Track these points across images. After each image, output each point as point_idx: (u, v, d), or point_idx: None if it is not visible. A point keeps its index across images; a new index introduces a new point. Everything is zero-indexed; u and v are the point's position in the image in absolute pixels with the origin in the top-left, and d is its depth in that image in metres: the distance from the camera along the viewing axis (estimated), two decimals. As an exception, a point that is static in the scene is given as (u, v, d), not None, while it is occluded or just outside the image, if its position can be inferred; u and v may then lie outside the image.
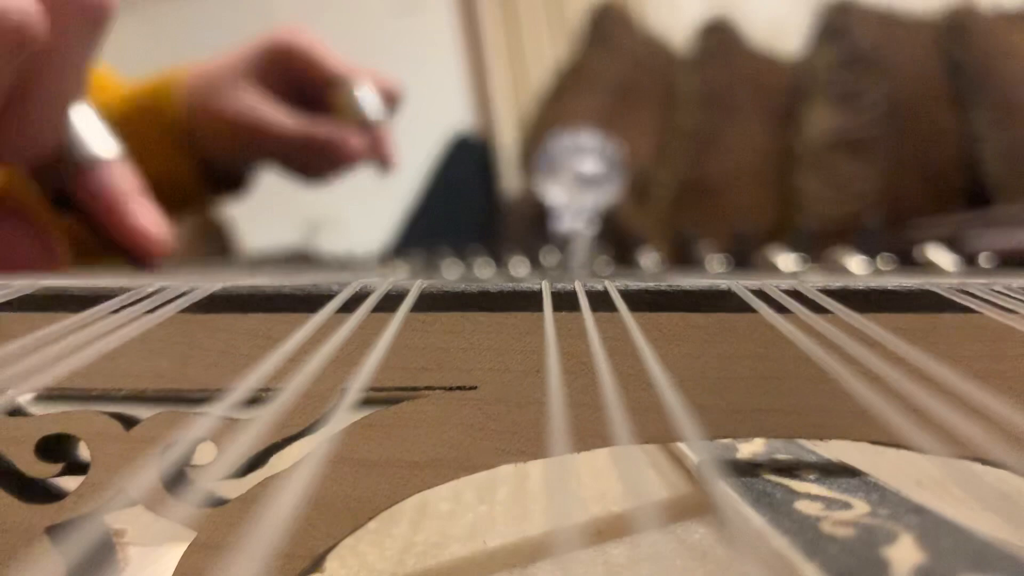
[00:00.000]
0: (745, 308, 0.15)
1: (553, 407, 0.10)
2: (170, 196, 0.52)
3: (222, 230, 1.38)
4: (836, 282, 0.16)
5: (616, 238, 0.52)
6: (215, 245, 1.33)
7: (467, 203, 1.49)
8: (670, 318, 0.15)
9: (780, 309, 0.14)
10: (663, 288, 0.15)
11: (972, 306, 0.15)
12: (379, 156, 0.54)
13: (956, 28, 1.28)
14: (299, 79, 0.52)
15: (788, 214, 1.24)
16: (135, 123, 0.50)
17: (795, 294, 0.15)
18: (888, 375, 0.10)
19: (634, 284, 0.15)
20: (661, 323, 0.15)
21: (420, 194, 1.47)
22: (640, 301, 0.15)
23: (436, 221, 1.40)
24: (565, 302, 0.15)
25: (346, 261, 0.56)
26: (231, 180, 0.57)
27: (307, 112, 0.52)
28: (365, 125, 0.52)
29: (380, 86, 0.54)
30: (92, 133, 0.34)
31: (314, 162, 0.53)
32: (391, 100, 0.56)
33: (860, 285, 0.15)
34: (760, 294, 0.15)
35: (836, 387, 0.14)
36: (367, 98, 0.52)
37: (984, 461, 0.13)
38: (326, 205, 1.61)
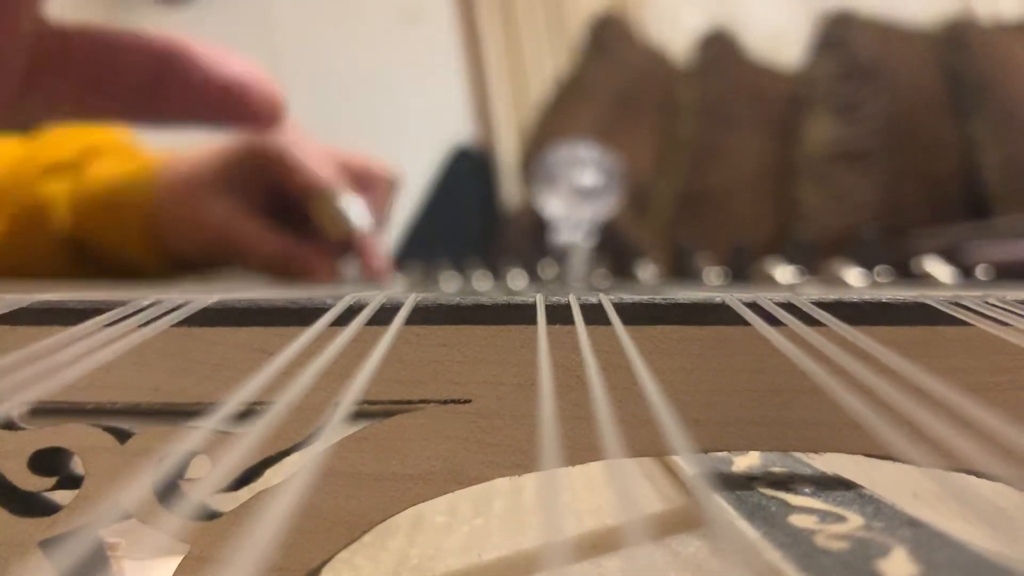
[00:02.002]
0: (739, 321, 0.15)
1: (546, 421, 0.10)
2: (130, 274, 0.52)
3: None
4: (831, 295, 0.16)
5: (615, 250, 0.52)
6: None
7: (467, 215, 1.49)
8: (664, 331, 0.15)
9: (774, 322, 0.14)
10: (657, 301, 0.15)
11: (966, 319, 0.15)
12: (367, 267, 0.50)
13: (955, 39, 1.29)
14: (276, 185, 0.49)
15: (787, 225, 1.24)
16: (107, 211, 0.49)
17: (789, 307, 0.15)
18: (882, 388, 0.10)
19: (628, 297, 0.15)
20: (655, 336, 0.15)
21: (420, 206, 1.47)
22: (634, 314, 0.15)
23: (435, 233, 1.40)
24: (560, 315, 0.15)
25: (345, 273, 0.56)
26: (200, 268, 0.55)
27: (287, 219, 0.50)
28: (350, 236, 0.48)
29: (375, 174, 0.52)
30: None
31: (281, 275, 0.50)
32: (389, 187, 0.53)
33: (854, 298, 0.15)
34: (754, 307, 0.15)
35: (831, 400, 0.14)
36: (352, 208, 0.48)
37: (979, 474, 0.13)
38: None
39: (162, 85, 0.32)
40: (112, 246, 0.51)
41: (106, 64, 0.31)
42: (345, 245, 0.50)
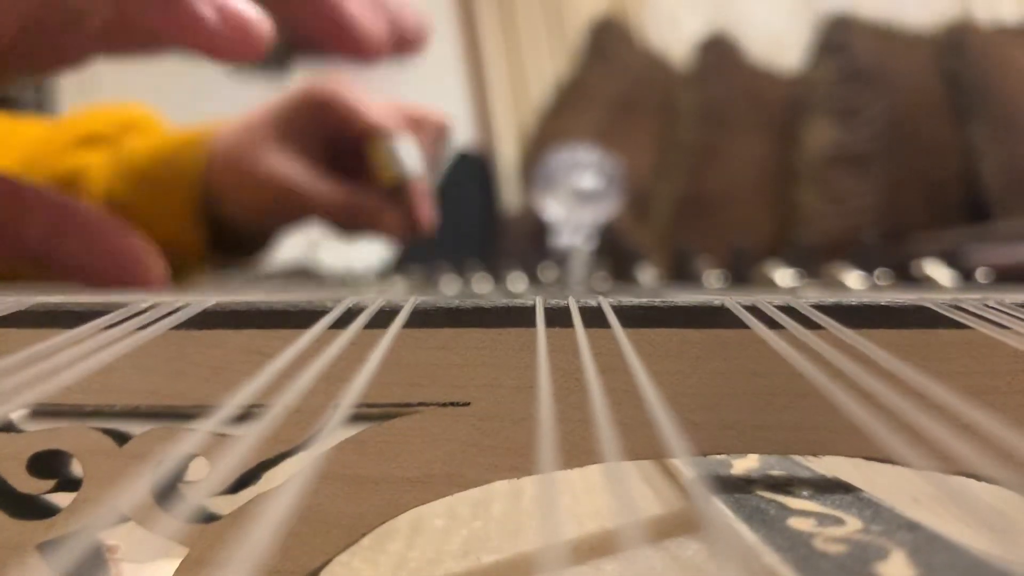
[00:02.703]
0: (738, 324, 0.15)
1: (545, 423, 0.10)
2: (171, 262, 0.50)
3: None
4: (830, 298, 0.16)
5: (615, 253, 0.52)
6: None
7: (467, 218, 1.49)
8: (663, 334, 0.15)
9: (773, 325, 0.14)
10: (656, 304, 0.15)
11: (965, 322, 0.15)
12: (412, 216, 0.49)
13: (955, 43, 1.29)
14: (335, 134, 0.48)
15: (787, 229, 1.24)
16: (151, 182, 0.47)
17: (788, 310, 0.15)
18: (881, 391, 0.10)
19: (627, 300, 0.15)
20: (654, 339, 0.15)
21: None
22: (633, 317, 0.15)
23: (436, 236, 1.40)
24: (558, 318, 0.15)
25: (345, 277, 0.56)
26: (247, 244, 0.53)
27: (342, 171, 0.48)
28: (404, 182, 0.47)
29: (425, 121, 0.50)
30: None
31: (347, 227, 0.49)
32: (440, 135, 0.52)
33: (853, 301, 0.15)
34: (753, 310, 0.15)
35: (830, 403, 0.14)
36: (408, 152, 0.47)
37: (978, 477, 0.13)
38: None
39: (56, 243, 0.31)
40: (152, 222, 0.49)
41: (10, 213, 0.31)
42: (395, 192, 0.48)
